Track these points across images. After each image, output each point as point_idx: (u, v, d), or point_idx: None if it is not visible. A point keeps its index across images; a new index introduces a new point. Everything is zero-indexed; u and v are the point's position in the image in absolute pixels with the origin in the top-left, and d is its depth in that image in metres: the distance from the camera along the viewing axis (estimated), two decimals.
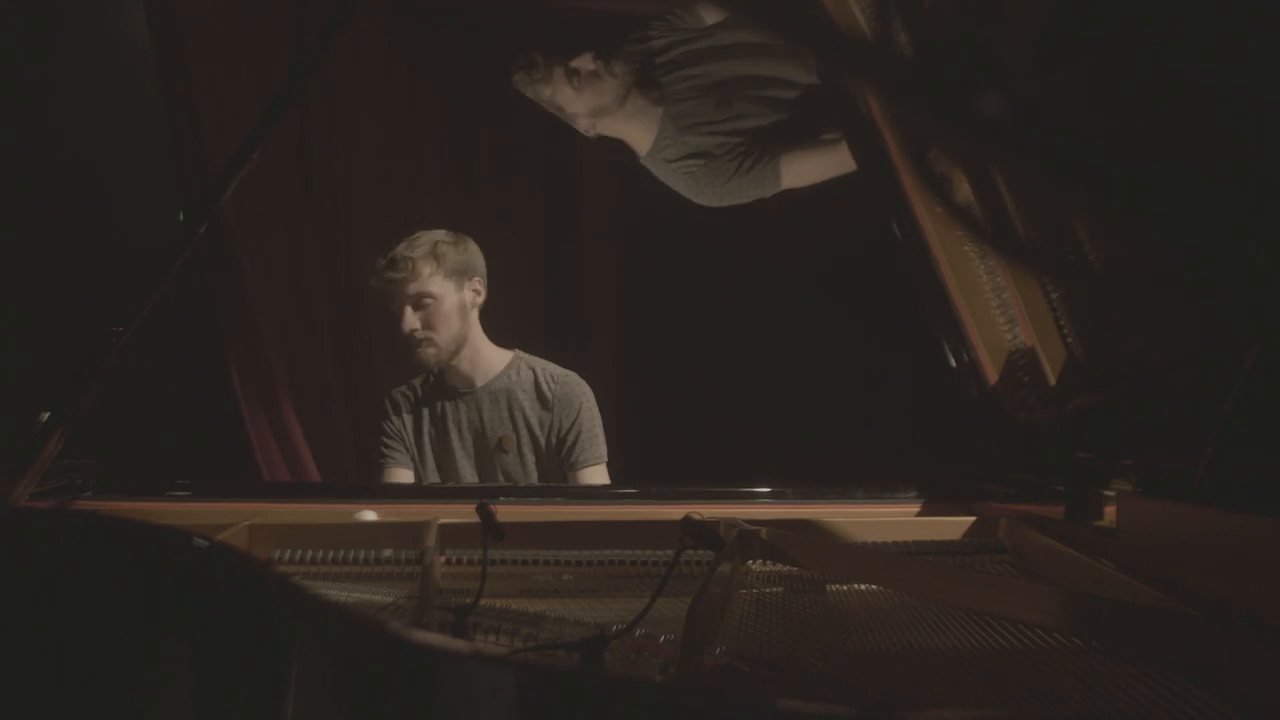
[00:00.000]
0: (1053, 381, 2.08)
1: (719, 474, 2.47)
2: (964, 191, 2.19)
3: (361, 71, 3.71)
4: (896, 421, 2.96)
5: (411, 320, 2.80)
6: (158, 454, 2.82)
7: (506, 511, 2.07)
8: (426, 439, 2.92)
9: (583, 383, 2.91)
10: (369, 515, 2.03)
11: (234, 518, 1.86)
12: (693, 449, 3.17)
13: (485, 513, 1.47)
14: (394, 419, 2.94)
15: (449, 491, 2.56)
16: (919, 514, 2.25)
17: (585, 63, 3.07)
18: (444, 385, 2.95)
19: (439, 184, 3.96)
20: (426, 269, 2.79)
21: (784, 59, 3.16)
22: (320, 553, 1.75)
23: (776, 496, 2.29)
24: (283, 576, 0.93)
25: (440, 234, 2.88)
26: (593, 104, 3.10)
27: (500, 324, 2.99)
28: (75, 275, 3.03)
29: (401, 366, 3.66)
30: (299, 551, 1.75)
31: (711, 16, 3.21)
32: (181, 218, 3.38)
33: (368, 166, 3.78)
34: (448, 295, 2.82)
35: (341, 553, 1.74)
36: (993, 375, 2.24)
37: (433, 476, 2.91)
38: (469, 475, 2.88)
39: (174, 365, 3.16)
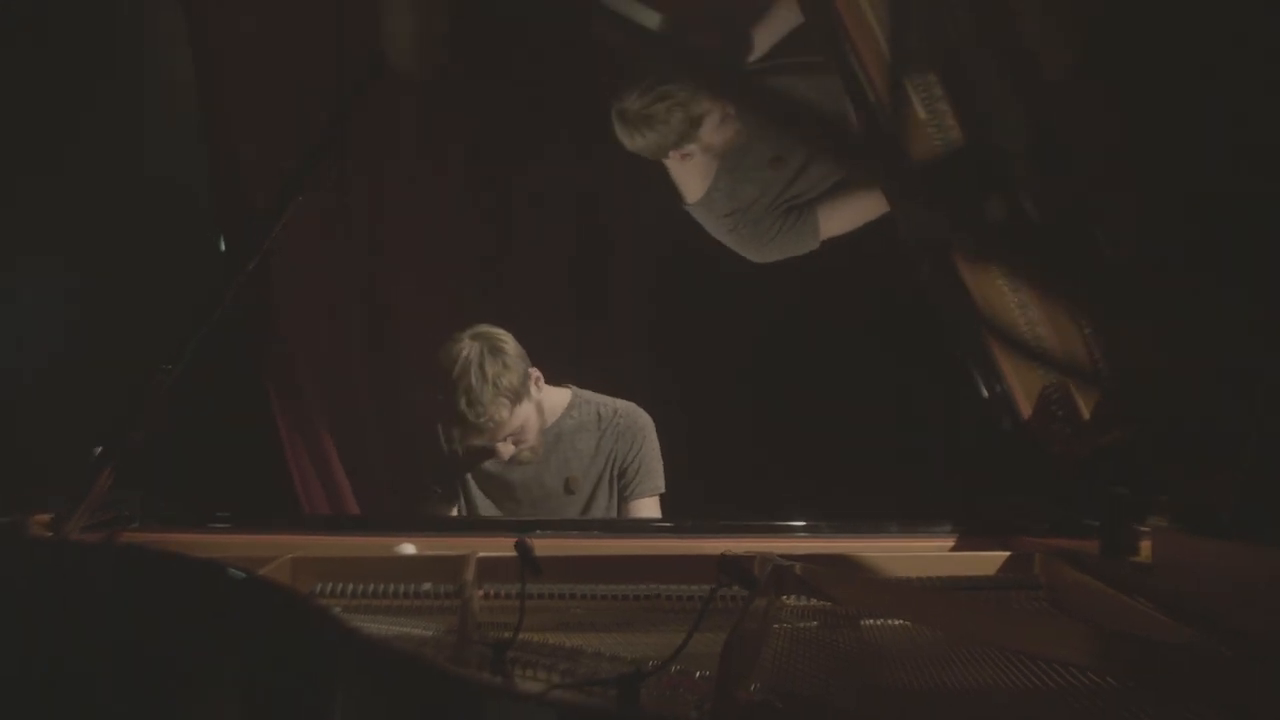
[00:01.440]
0: (1087, 416, 2.09)
1: (754, 507, 2.49)
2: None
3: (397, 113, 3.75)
4: (932, 455, 2.96)
5: (507, 450, 2.77)
6: (202, 484, 2.87)
7: (544, 545, 2.11)
8: (481, 475, 2.90)
9: (644, 414, 2.91)
10: (409, 549, 2.05)
11: (276, 550, 1.90)
12: (728, 482, 3.18)
13: (524, 549, 1.50)
14: (445, 451, 2.91)
15: (487, 524, 2.59)
16: (954, 548, 2.25)
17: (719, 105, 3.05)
18: (525, 460, 2.90)
19: (473, 213, 3.98)
20: (503, 413, 2.69)
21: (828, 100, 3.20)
22: (361, 586, 1.78)
23: (812, 530, 2.29)
24: (326, 611, 0.96)
25: (479, 357, 2.70)
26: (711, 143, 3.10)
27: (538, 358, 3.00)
28: (125, 308, 3.09)
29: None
30: (341, 585, 1.78)
31: (763, 40, 3.19)
32: (223, 247, 3.43)
33: (403, 193, 3.81)
34: (524, 412, 2.75)
35: (382, 586, 1.77)
36: (1026, 409, 2.25)
37: (484, 510, 2.89)
38: (520, 512, 2.87)
39: (215, 394, 3.20)
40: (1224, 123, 1.64)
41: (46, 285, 3.31)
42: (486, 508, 2.90)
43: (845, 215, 3.18)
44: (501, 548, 1.99)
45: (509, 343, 2.76)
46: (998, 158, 2.07)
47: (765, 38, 3.21)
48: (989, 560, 2.03)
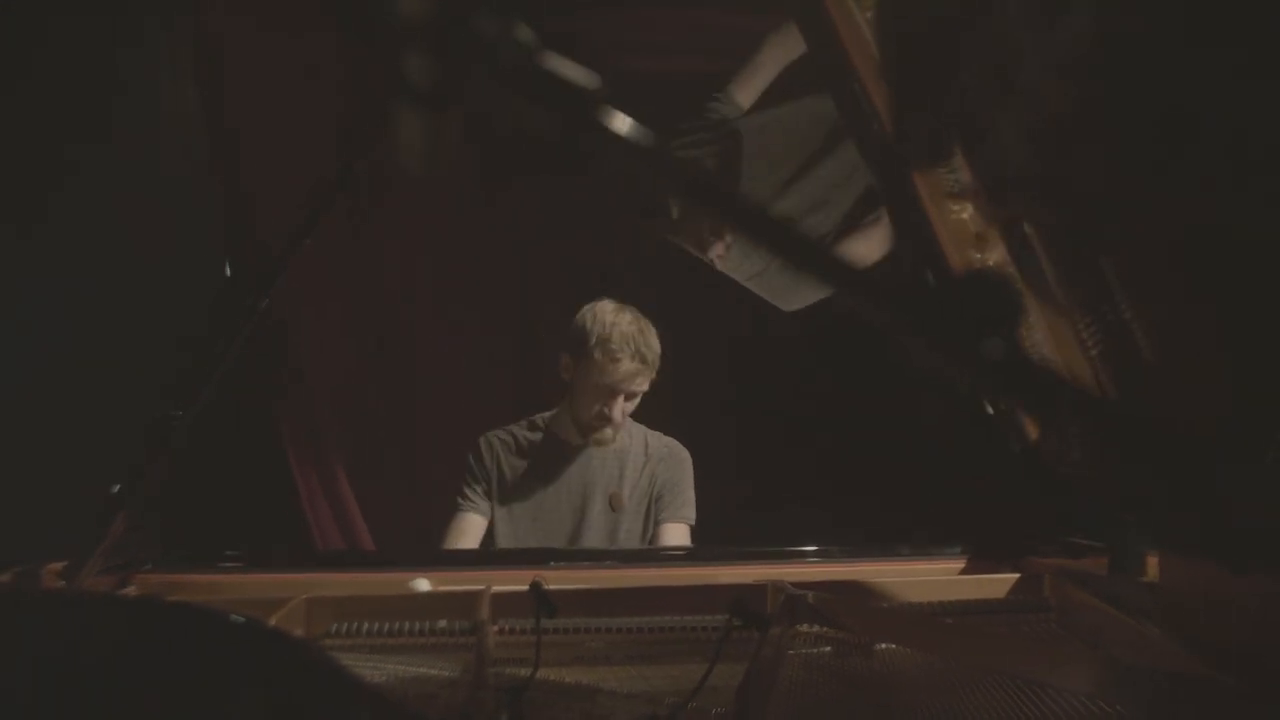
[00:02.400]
0: (1096, 440, 2.09)
1: (765, 532, 2.50)
2: (999, 254, 2.23)
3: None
4: (942, 478, 2.97)
5: (619, 410, 2.84)
6: (215, 522, 2.89)
7: (556, 577, 2.13)
8: (522, 488, 2.92)
9: (685, 450, 2.98)
10: (423, 584, 2.06)
11: (291, 589, 1.92)
12: (739, 509, 3.19)
13: (539, 591, 1.51)
14: (486, 463, 2.94)
15: (500, 557, 2.60)
16: (964, 570, 2.26)
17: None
18: (553, 437, 2.97)
19: (486, 239, 4.01)
20: (652, 373, 2.84)
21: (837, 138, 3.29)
22: (376, 625, 1.79)
23: (823, 555, 2.30)
24: (340, 670, 0.97)
25: (637, 322, 2.87)
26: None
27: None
28: (133, 351, 3.12)
29: (450, 426, 3.74)
30: (355, 624, 1.80)
31: (746, 97, 3.29)
32: (228, 273, 3.45)
33: (415, 220, 3.84)
34: (641, 379, 2.85)
35: (397, 625, 1.78)
36: (1032, 430, 2.26)
37: (519, 524, 2.90)
38: (562, 527, 2.90)
39: (227, 430, 3.22)
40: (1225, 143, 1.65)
41: (54, 316, 3.33)
42: (521, 521, 2.91)
43: (857, 253, 3.33)
44: (515, 581, 2.02)
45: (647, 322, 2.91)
46: (1002, 180, 2.09)
47: (749, 92, 3.30)
48: (999, 583, 2.04)
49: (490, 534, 2.90)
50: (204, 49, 3.29)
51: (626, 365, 2.78)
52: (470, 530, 2.88)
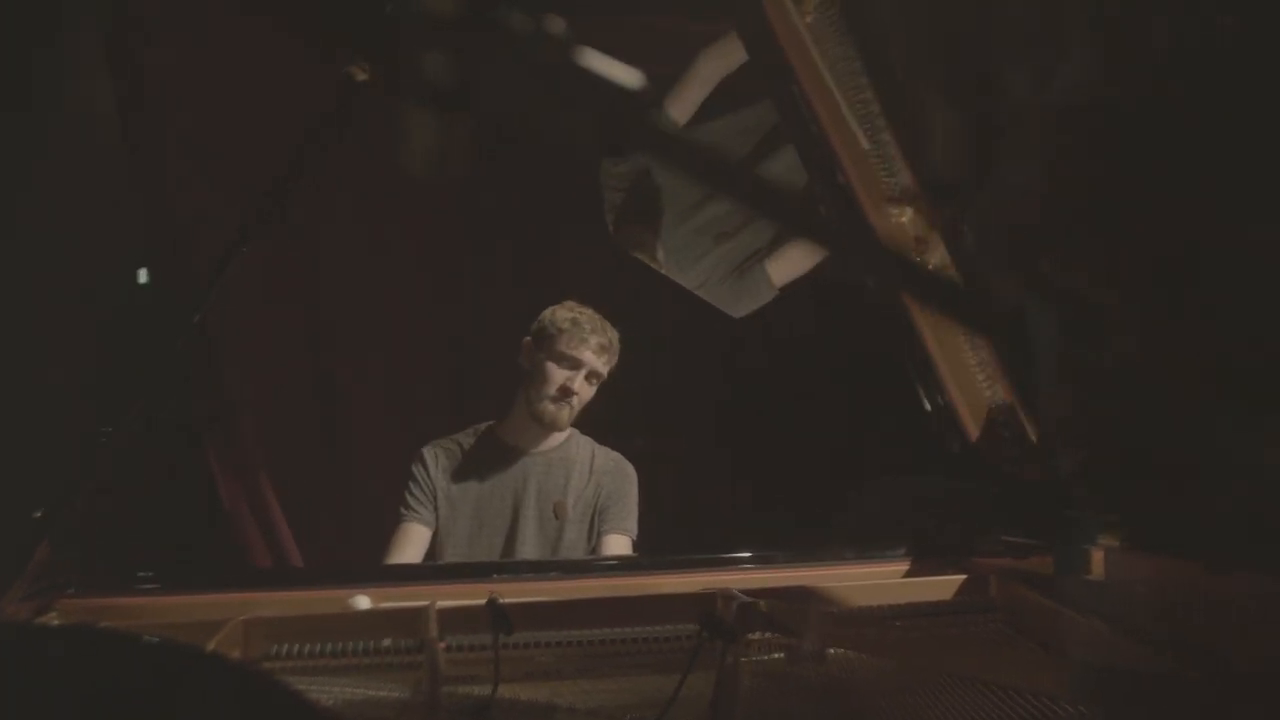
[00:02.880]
0: (1035, 438, 2.11)
1: (706, 540, 2.48)
2: (938, 256, 2.24)
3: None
4: (882, 480, 2.98)
5: (580, 384, 2.85)
6: (140, 544, 2.79)
7: (499, 590, 2.09)
8: (467, 496, 2.90)
9: (631, 466, 2.98)
10: (363, 601, 2.01)
11: (225, 609, 1.85)
12: (680, 518, 3.18)
13: (495, 607, 1.47)
14: (430, 471, 2.91)
15: (442, 572, 2.54)
16: (908, 572, 2.26)
17: None
18: (500, 443, 2.95)
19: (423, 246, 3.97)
20: (614, 359, 2.89)
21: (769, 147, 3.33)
22: (318, 646, 1.74)
23: (767, 561, 2.29)
24: (298, 698, 0.92)
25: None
26: None
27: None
28: (52, 370, 3.01)
29: (381, 441, 3.69)
30: (296, 646, 1.74)
31: (682, 113, 3.31)
32: (144, 280, 3.36)
33: (346, 230, 3.78)
34: (600, 369, 2.88)
35: (340, 645, 1.73)
36: (973, 431, 2.27)
37: (463, 533, 2.87)
38: (505, 536, 2.87)
39: (153, 451, 3.13)
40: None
41: None
42: (465, 529, 2.88)
43: (792, 263, 3.41)
44: (459, 596, 1.98)
45: None
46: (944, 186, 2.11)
47: (684, 107, 3.33)
48: (946, 584, 2.05)
49: (434, 544, 2.86)
50: (122, 56, 3.19)
51: (594, 340, 2.84)
52: (415, 541, 2.83)
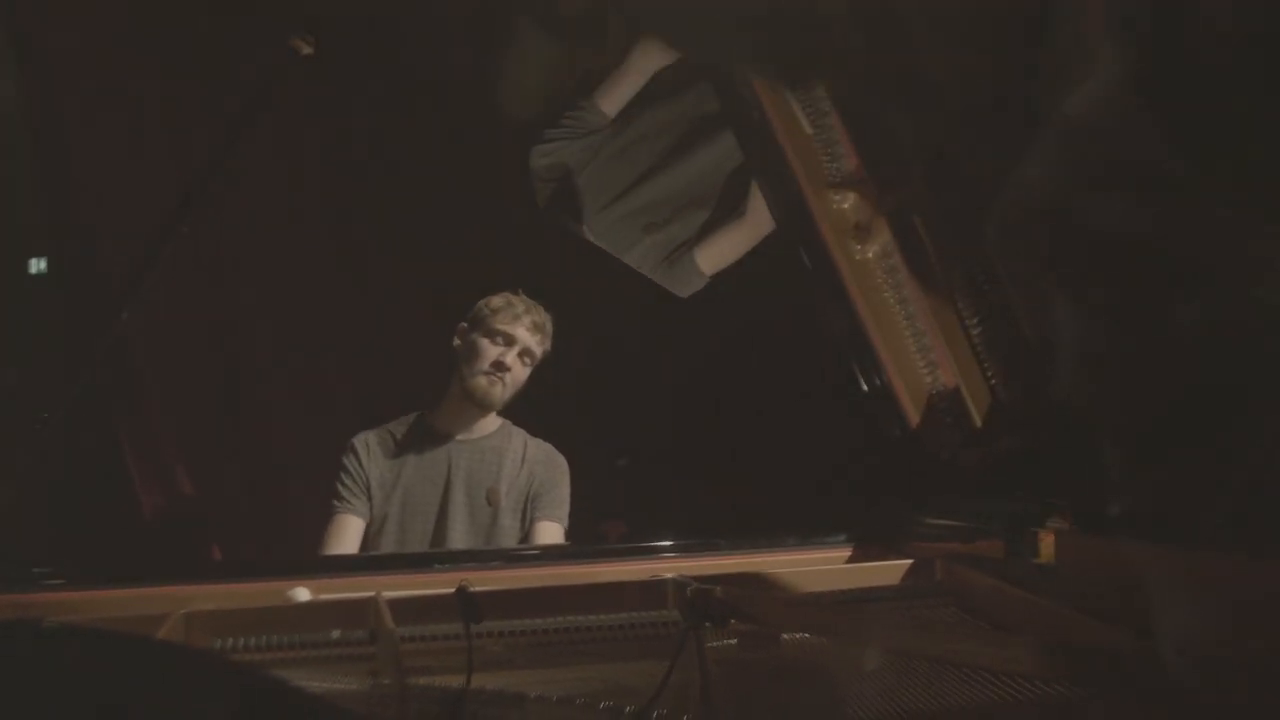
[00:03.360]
0: (978, 422, 2.14)
1: (648, 529, 2.47)
2: (879, 244, 2.25)
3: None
4: (821, 466, 3.00)
5: (513, 359, 2.88)
6: (57, 538, 2.69)
7: (441, 580, 2.06)
8: (400, 485, 2.88)
9: (563, 457, 2.99)
10: (303, 593, 1.95)
11: (162, 603, 1.79)
12: (618, 506, 3.17)
13: (465, 596, 1.43)
14: (361, 460, 2.88)
15: (381, 562, 2.49)
16: (850, 558, 2.27)
17: None
18: (430, 431, 2.94)
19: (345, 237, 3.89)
20: (546, 342, 2.94)
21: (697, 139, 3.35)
22: (265, 639, 1.68)
23: (710, 548, 2.28)
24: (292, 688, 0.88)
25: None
26: None
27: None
28: None
29: (299, 427, 3.61)
30: (243, 639, 1.68)
31: (612, 106, 3.32)
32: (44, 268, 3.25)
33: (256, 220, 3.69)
34: (530, 367, 2.93)
35: (287, 638, 1.67)
36: (913, 416, 2.29)
37: (396, 522, 2.85)
38: (439, 523, 2.85)
39: (66, 441, 3.02)
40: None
41: None
42: (396, 517, 2.86)
43: (721, 252, 3.46)
44: (400, 586, 1.94)
45: None
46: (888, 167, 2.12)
47: (614, 101, 3.35)
48: (893, 569, 2.06)
49: (366, 532, 2.84)
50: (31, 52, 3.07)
51: (527, 318, 2.88)
52: (350, 532, 2.81)
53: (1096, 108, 1.69)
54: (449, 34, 3.54)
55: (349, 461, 2.88)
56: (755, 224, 3.32)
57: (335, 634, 1.69)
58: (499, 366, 2.85)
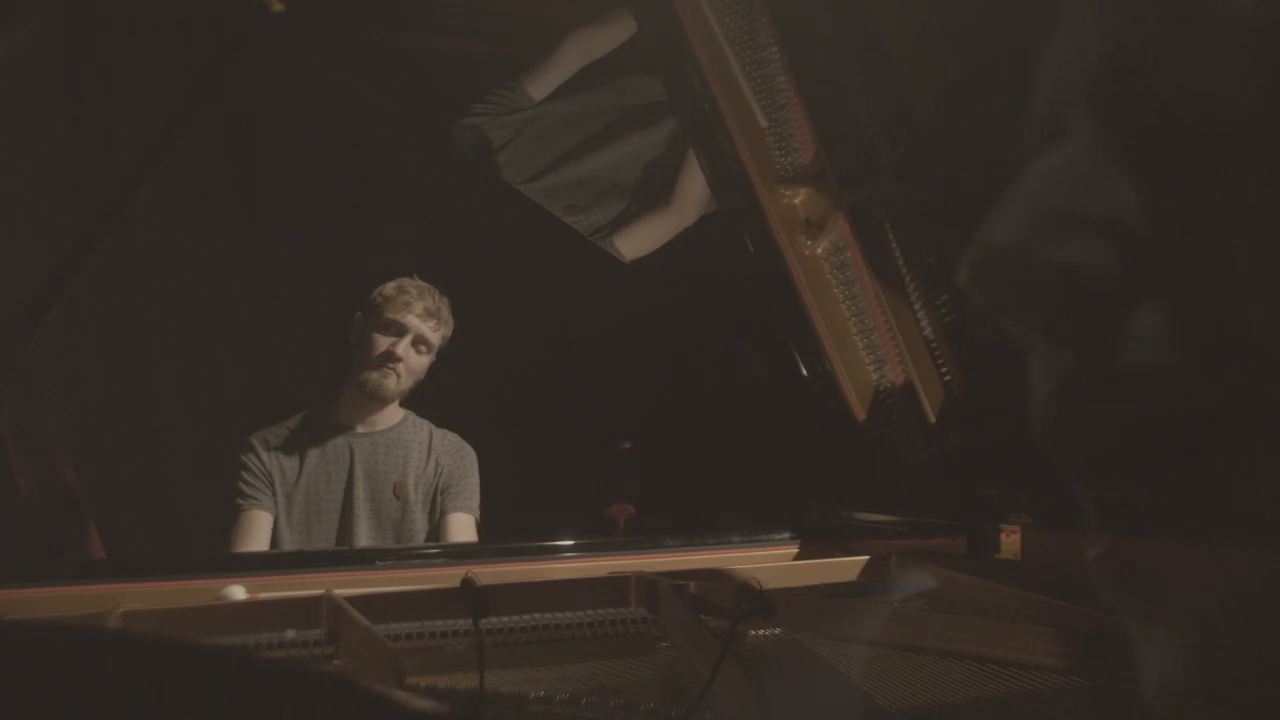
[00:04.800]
0: (932, 419, 2.14)
1: (585, 527, 2.42)
2: (830, 239, 2.24)
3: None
4: (769, 463, 2.98)
5: (405, 349, 2.81)
6: None
7: (386, 579, 1.97)
8: (302, 481, 2.80)
9: (470, 446, 2.96)
10: (238, 591, 1.84)
11: (91, 603, 1.67)
12: (557, 504, 3.10)
13: (471, 589, 1.35)
14: (262, 457, 2.80)
15: (316, 559, 2.37)
16: (798, 555, 2.26)
17: None
18: (329, 425, 2.88)
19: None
20: (444, 328, 2.88)
21: (620, 129, 3.36)
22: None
23: (658, 545, 2.24)
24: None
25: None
26: None
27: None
28: None
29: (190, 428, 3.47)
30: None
31: (539, 91, 3.31)
32: None
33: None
34: (430, 355, 2.89)
35: (239, 638, 1.56)
36: (860, 413, 2.28)
37: (300, 520, 2.79)
38: (346, 518, 2.80)
39: None
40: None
41: None
42: (300, 514, 2.80)
43: (642, 238, 3.47)
44: (345, 582, 1.85)
45: None
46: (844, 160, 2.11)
47: (542, 86, 3.34)
48: (850, 566, 2.04)
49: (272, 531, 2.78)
50: None
51: (418, 305, 2.82)
52: (259, 528, 2.74)
53: (1066, 164, 1.72)
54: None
55: (249, 459, 2.81)
56: (679, 215, 3.34)
57: (290, 634, 1.59)
58: (389, 358, 2.79)
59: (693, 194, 3.31)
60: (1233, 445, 1.60)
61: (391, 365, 2.79)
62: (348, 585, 1.89)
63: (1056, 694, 1.34)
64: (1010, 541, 1.89)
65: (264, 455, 2.80)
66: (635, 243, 3.43)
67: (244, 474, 2.79)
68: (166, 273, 3.61)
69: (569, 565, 2.12)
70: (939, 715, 1.31)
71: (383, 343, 2.79)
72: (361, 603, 1.66)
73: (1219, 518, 1.53)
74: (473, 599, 1.31)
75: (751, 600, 1.31)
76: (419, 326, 2.82)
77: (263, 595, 1.84)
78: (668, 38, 2.24)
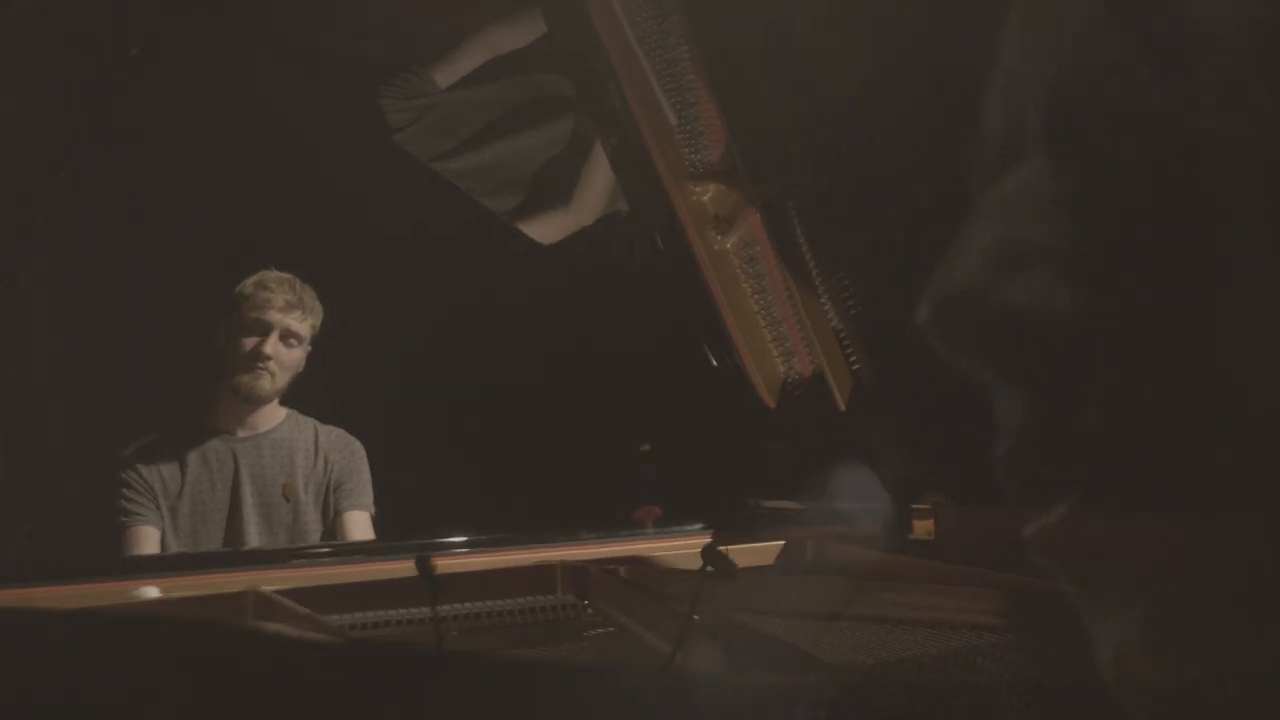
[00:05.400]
0: (842, 407, 2.20)
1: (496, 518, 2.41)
2: (739, 235, 2.29)
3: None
4: (679, 453, 3.01)
5: (274, 346, 2.73)
6: None
7: (303, 576, 1.93)
8: (186, 490, 2.72)
9: (356, 440, 2.91)
10: (151, 591, 1.78)
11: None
12: (433, 495, 3.07)
13: (424, 567, 1.33)
14: (142, 471, 2.70)
15: (228, 559, 2.30)
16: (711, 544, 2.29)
17: None
18: (208, 431, 2.80)
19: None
20: (311, 317, 2.81)
21: (520, 122, 3.39)
22: None
23: (573, 538, 2.24)
24: None
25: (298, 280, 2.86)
26: None
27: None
28: None
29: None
30: None
31: (444, 79, 3.31)
32: None
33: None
34: (302, 347, 2.82)
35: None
36: (769, 402, 2.34)
37: (186, 531, 2.71)
38: (235, 524, 2.73)
39: None
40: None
41: None
42: (186, 525, 2.72)
43: (540, 232, 3.49)
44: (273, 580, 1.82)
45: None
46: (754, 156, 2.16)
47: (447, 76, 3.35)
48: (767, 551, 2.09)
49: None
50: None
51: (279, 299, 2.76)
52: (145, 544, 2.66)
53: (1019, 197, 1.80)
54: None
55: (128, 475, 2.71)
56: (579, 214, 3.38)
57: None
58: (257, 357, 2.73)
59: (594, 194, 3.35)
60: (1137, 424, 1.70)
61: (262, 365, 2.73)
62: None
63: (986, 648, 1.40)
64: (923, 524, 1.96)
65: (143, 469, 2.72)
66: (535, 235, 3.46)
67: (125, 490, 2.70)
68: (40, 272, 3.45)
69: (485, 559, 2.10)
70: (878, 672, 1.35)
71: (249, 343, 2.73)
72: (293, 596, 1.63)
73: (1134, 492, 1.62)
74: (427, 579, 1.30)
75: (715, 560, 1.34)
76: (283, 320, 2.75)
77: (177, 594, 1.78)
78: (579, 37, 2.26)
